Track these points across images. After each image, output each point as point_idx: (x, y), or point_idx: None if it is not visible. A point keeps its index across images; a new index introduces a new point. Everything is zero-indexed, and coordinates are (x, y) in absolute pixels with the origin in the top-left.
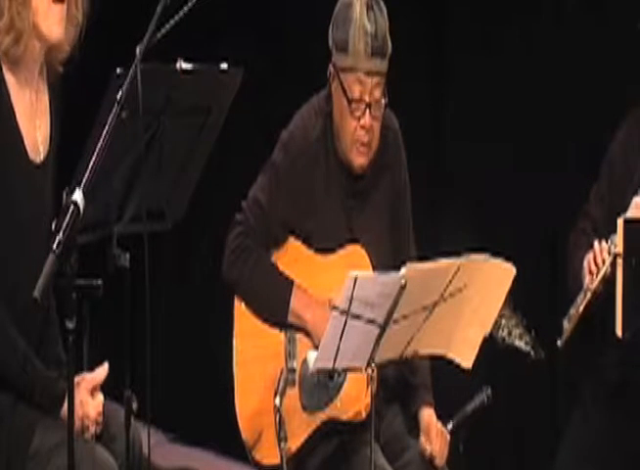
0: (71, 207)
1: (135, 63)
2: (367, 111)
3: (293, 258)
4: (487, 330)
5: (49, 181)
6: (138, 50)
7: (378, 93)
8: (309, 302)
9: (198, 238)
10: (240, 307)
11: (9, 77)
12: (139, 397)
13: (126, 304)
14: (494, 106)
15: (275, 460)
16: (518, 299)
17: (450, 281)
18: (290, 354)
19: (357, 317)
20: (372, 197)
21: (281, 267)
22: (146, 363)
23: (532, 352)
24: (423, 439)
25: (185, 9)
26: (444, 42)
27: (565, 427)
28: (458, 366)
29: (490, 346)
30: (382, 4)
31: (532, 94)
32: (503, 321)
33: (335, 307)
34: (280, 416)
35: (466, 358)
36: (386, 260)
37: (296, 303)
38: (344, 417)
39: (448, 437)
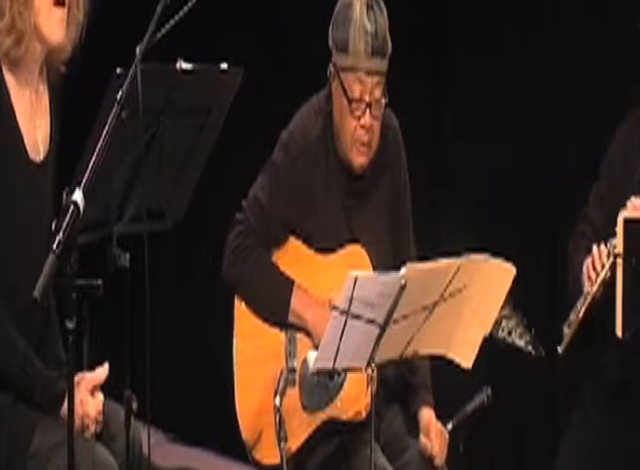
0: (71, 207)
1: (135, 63)
2: (367, 110)
3: (293, 257)
4: (487, 330)
5: (49, 181)
6: (138, 50)
7: (378, 93)
8: (310, 301)
9: (198, 238)
10: (240, 307)
11: (9, 78)
12: (139, 397)
13: (126, 304)
14: (494, 106)
15: (275, 460)
16: (518, 299)
17: (450, 281)
18: (290, 354)
19: (357, 317)
20: (372, 197)
21: (281, 267)
22: (146, 363)
23: (533, 351)
24: (422, 438)
25: (185, 9)
26: (444, 42)
27: (565, 427)
28: (458, 366)
29: (490, 346)
30: (382, 4)
31: (532, 94)
32: (503, 321)
33: (335, 307)
34: (280, 416)
35: (466, 358)
36: (386, 260)
37: (296, 302)
38: (345, 417)
39: (447, 437)
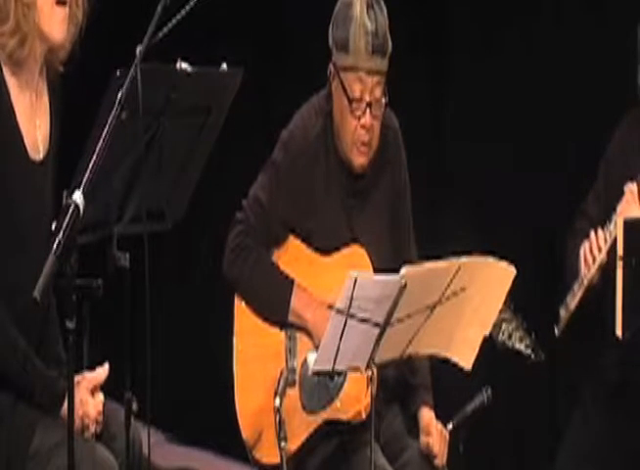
0: (71, 207)
1: (135, 63)
2: (367, 110)
3: (293, 257)
4: (487, 331)
5: (49, 180)
6: (138, 50)
7: (378, 92)
8: (310, 301)
9: (198, 238)
10: (240, 306)
11: (10, 78)
12: (139, 396)
13: (126, 304)
14: (494, 106)
15: (275, 460)
16: (517, 299)
17: (450, 281)
18: (290, 354)
19: (357, 318)
20: (372, 196)
21: (281, 267)
22: (146, 363)
23: (533, 355)
24: (423, 438)
25: (185, 9)
26: (444, 42)
27: (565, 427)
28: (458, 366)
29: (490, 346)
30: (382, 3)
31: (532, 94)
32: (503, 324)
33: (335, 308)
34: (280, 416)
35: (466, 359)
36: (386, 260)
37: (296, 302)
38: (345, 417)
39: (447, 437)
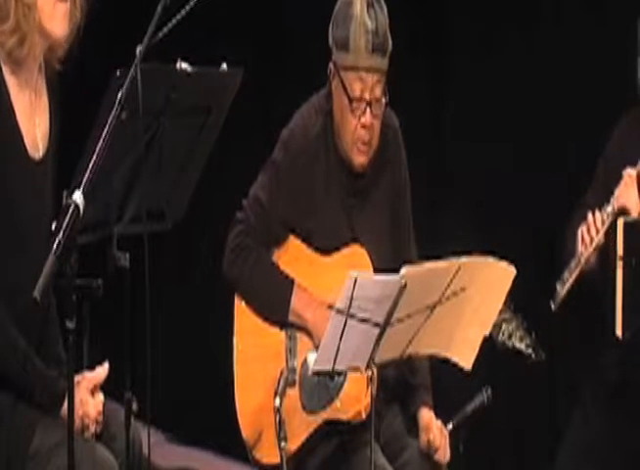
0: (71, 207)
1: (135, 63)
2: (367, 109)
3: (293, 257)
4: (487, 331)
5: (49, 178)
6: (138, 50)
7: (378, 91)
8: (310, 301)
9: (198, 238)
10: (240, 306)
11: (9, 77)
12: (139, 396)
13: (126, 304)
14: (494, 105)
15: (275, 460)
16: (517, 299)
17: (450, 281)
18: (290, 353)
19: (357, 318)
20: (372, 195)
21: (281, 266)
22: (146, 363)
23: (533, 355)
24: (423, 436)
25: (185, 9)
26: (444, 41)
27: (565, 427)
28: (458, 367)
29: (490, 346)
30: (382, 2)
31: (532, 94)
32: (503, 325)
33: (335, 308)
34: (280, 416)
35: (466, 359)
36: (386, 260)
37: (296, 302)
38: (345, 417)
39: (447, 436)
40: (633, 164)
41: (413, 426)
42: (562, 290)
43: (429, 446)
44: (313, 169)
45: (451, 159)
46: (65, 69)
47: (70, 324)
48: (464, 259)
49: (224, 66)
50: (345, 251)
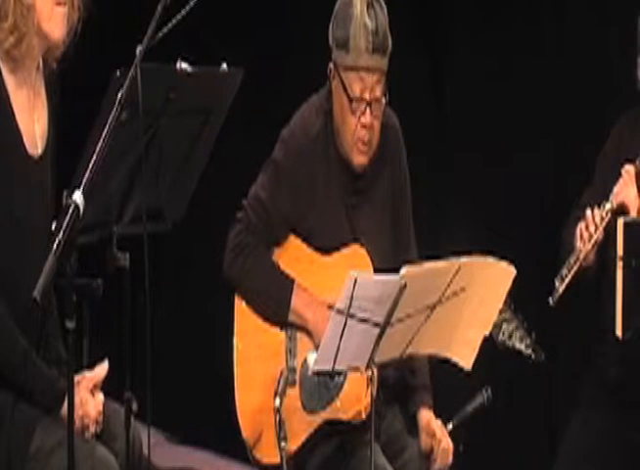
0: (71, 207)
1: (135, 63)
2: (367, 109)
3: (294, 257)
4: (487, 331)
5: (48, 176)
6: (138, 50)
7: (378, 91)
8: (310, 301)
9: (197, 238)
10: (240, 306)
11: (7, 75)
12: (139, 396)
13: (126, 304)
14: (494, 105)
15: (275, 459)
16: (517, 299)
17: (450, 281)
18: (290, 353)
19: (357, 318)
20: (372, 195)
21: (282, 266)
22: (146, 363)
23: (533, 355)
24: (425, 439)
25: (185, 9)
26: (444, 41)
27: (564, 427)
28: (458, 367)
29: (490, 346)
30: (382, 1)
31: (532, 93)
32: (504, 325)
33: (335, 308)
34: (280, 416)
35: (466, 359)
36: (386, 259)
37: (296, 301)
38: (345, 417)
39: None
40: (631, 162)
41: (413, 426)
42: (560, 286)
43: (430, 451)
44: (313, 169)
45: (451, 158)
46: (65, 68)
47: (70, 324)
48: (464, 259)
49: (224, 66)
50: (346, 250)
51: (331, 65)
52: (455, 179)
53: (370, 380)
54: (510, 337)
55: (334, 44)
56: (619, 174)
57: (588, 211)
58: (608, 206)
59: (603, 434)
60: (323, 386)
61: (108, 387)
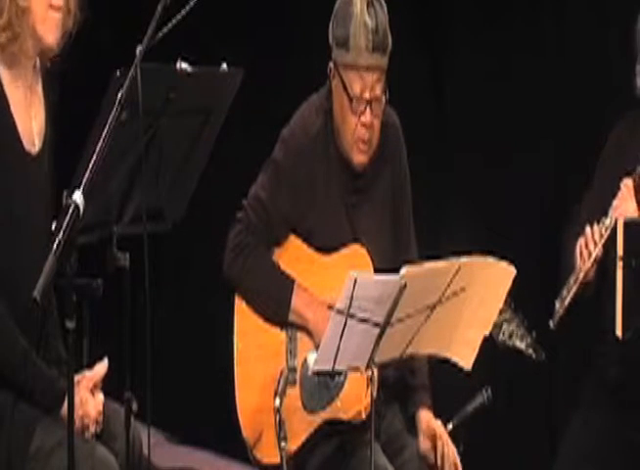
0: (71, 207)
1: (135, 63)
2: (368, 108)
3: (294, 256)
4: (487, 331)
5: (46, 174)
6: (138, 50)
7: (378, 90)
8: (311, 300)
9: (198, 238)
10: (240, 306)
11: (3, 71)
12: (139, 396)
13: (126, 304)
14: (494, 104)
15: (275, 460)
16: (517, 299)
17: (450, 281)
18: (290, 353)
19: (357, 318)
20: (373, 194)
21: (282, 266)
22: (146, 363)
23: (534, 355)
24: (423, 440)
25: (185, 9)
26: (444, 39)
27: (564, 427)
28: (458, 367)
29: (490, 346)
30: (382, 0)
31: (532, 92)
32: (504, 325)
33: (335, 308)
34: (280, 416)
35: (466, 359)
36: (386, 258)
37: (297, 301)
38: (345, 417)
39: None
40: (631, 167)
41: (412, 425)
42: (560, 308)
43: (429, 453)
44: (313, 168)
45: (451, 158)
46: (65, 69)
47: (70, 324)
48: (464, 259)
49: (224, 66)
50: (346, 250)
51: (331, 64)
52: (455, 179)
53: (370, 380)
54: (510, 337)
55: (334, 43)
56: (618, 179)
57: (587, 229)
58: (607, 221)
59: (603, 434)
60: (323, 386)
61: (108, 387)
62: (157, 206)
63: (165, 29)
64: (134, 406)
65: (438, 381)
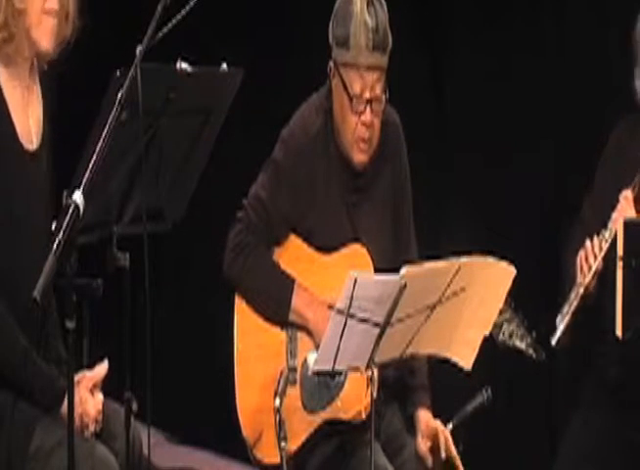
0: (71, 207)
1: (135, 63)
2: (368, 107)
3: (294, 256)
4: (487, 331)
5: (44, 172)
6: (138, 50)
7: (378, 89)
8: (311, 300)
9: (198, 238)
10: (240, 306)
11: (0, 69)
12: (139, 396)
13: (126, 304)
14: (494, 103)
15: (276, 459)
16: (518, 299)
17: (450, 281)
18: (291, 353)
19: (357, 318)
20: (373, 193)
21: (282, 266)
22: (146, 363)
23: (534, 354)
24: (421, 440)
25: (185, 9)
26: (445, 38)
27: (564, 427)
28: (458, 367)
29: (490, 346)
30: None
31: (533, 92)
32: (504, 325)
33: (335, 308)
34: (280, 417)
35: (466, 359)
36: (387, 257)
37: (297, 301)
38: (345, 417)
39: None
40: (630, 171)
41: (411, 425)
42: (561, 324)
43: (427, 454)
44: (314, 168)
45: (451, 158)
46: (65, 69)
47: (70, 324)
48: (464, 259)
49: (224, 66)
50: (346, 250)
51: (331, 63)
52: (455, 179)
53: (370, 380)
54: (510, 336)
55: (334, 42)
56: (618, 181)
57: (588, 242)
58: (607, 234)
59: (603, 434)
60: (323, 386)
61: (108, 387)
62: (157, 206)
63: (165, 29)
64: (134, 406)
65: (438, 381)
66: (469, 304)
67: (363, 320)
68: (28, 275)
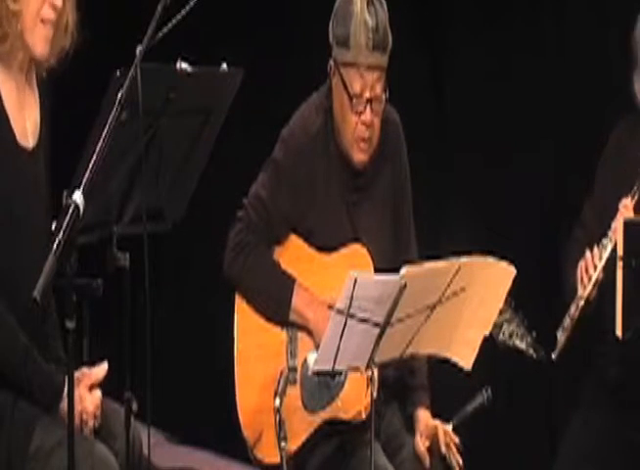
0: (71, 207)
1: (135, 63)
2: (368, 106)
3: (294, 256)
4: (487, 330)
5: (42, 171)
6: (138, 50)
7: (378, 89)
8: (311, 300)
9: (198, 238)
10: (241, 306)
11: None
12: (139, 396)
13: (126, 303)
14: (494, 103)
15: (276, 459)
16: (518, 299)
17: (450, 281)
18: (291, 353)
19: (357, 318)
20: (373, 192)
21: (282, 265)
22: (146, 363)
23: (534, 354)
24: (421, 440)
25: (185, 9)
26: (445, 37)
27: (564, 427)
28: (458, 367)
29: (490, 346)
30: None
31: (533, 92)
32: (504, 325)
33: (335, 308)
34: (280, 416)
35: (466, 359)
36: (387, 257)
37: (297, 301)
38: (345, 417)
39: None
40: (630, 173)
41: (411, 424)
42: (562, 337)
43: (426, 454)
44: (314, 167)
45: (451, 158)
46: (65, 69)
47: (70, 324)
48: (464, 259)
49: (224, 66)
50: (346, 250)
51: (331, 62)
52: (455, 179)
53: (370, 380)
54: (510, 336)
55: (334, 42)
56: (619, 182)
57: (588, 253)
58: (608, 245)
59: (603, 434)
60: (324, 386)
61: (108, 387)
62: (157, 206)
63: (165, 29)
64: (134, 406)
65: (438, 381)
66: (469, 304)
67: (363, 320)
68: (28, 275)
